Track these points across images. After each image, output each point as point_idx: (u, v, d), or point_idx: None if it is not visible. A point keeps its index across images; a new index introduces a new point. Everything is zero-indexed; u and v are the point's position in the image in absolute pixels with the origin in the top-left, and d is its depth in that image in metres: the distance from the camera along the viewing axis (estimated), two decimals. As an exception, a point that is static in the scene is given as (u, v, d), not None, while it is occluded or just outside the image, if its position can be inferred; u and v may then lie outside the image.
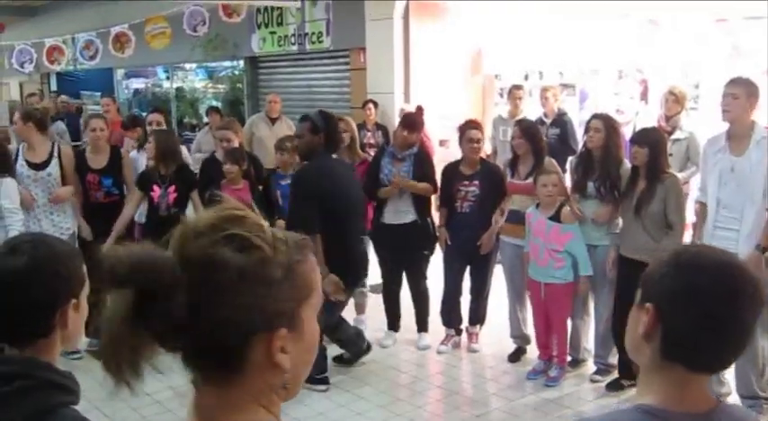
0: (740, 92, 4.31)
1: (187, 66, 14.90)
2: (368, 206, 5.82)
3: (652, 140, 4.69)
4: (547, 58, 8.98)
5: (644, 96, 7.97)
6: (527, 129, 5.38)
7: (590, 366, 5.33)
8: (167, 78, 15.74)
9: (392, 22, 9.27)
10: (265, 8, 11.00)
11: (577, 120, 8.07)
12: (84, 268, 1.63)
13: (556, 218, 4.98)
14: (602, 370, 5.18)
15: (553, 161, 5.42)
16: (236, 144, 6.01)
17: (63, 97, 14.21)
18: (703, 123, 6.68)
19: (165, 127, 6.93)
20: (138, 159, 6.17)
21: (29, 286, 1.53)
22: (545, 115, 7.91)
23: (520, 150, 5.36)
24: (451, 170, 5.64)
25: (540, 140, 5.42)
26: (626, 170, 4.96)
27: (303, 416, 4.66)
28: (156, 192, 5.52)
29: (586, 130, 5.08)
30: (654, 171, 4.63)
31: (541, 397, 4.98)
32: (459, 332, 5.88)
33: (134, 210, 5.64)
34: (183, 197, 5.59)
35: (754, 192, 4.33)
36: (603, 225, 4.99)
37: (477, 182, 5.47)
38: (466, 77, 9.66)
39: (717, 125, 6.59)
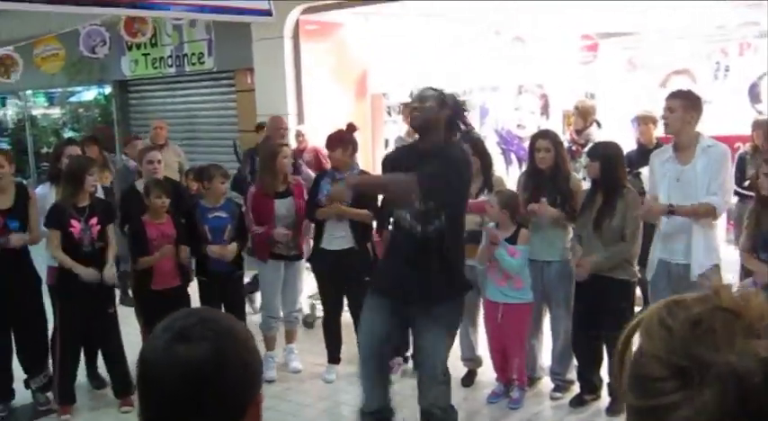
0: (676, 105, 4.38)
1: (27, 91, 13.64)
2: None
3: (603, 154, 4.69)
4: (431, 76, 9.01)
5: (545, 111, 8.15)
6: (477, 146, 5.23)
7: (546, 383, 5.27)
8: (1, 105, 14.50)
9: (282, 41, 8.95)
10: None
11: (478, 136, 8.13)
12: None
13: (512, 240, 4.86)
14: (561, 386, 5.12)
15: (502, 178, 5.33)
16: (161, 172, 5.49)
17: None
18: (605, 135, 6.87)
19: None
20: (47, 196, 5.35)
21: (217, 382, 1.16)
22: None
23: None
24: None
25: (489, 156, 5.29)
26: (575, 183, 4.97)
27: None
28: (77, 227, 4.83)
29: (534, 150, 5.02)
30: (610, 185, 4.65)
31: (510, 420, 4.86)
32: (406, 359, 5.65)
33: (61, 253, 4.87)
34: (104, 230, 5.01)
35: (701, 199, 4.38)
36: (556, 231, 4.95)
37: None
38: (355, 97, 9.51)
39: (617, 136, 6.87)
